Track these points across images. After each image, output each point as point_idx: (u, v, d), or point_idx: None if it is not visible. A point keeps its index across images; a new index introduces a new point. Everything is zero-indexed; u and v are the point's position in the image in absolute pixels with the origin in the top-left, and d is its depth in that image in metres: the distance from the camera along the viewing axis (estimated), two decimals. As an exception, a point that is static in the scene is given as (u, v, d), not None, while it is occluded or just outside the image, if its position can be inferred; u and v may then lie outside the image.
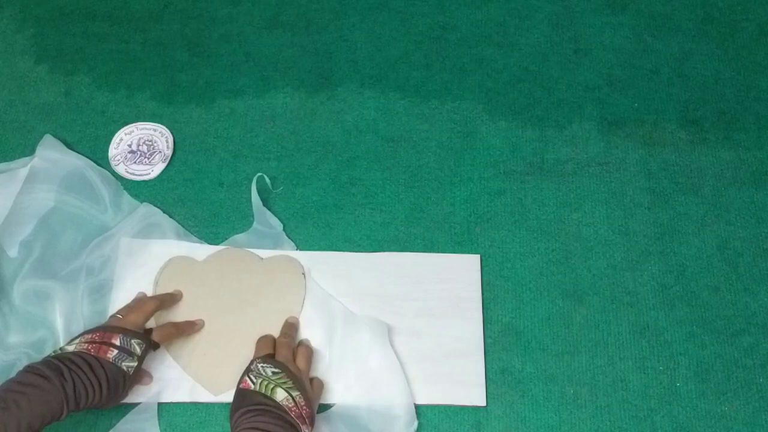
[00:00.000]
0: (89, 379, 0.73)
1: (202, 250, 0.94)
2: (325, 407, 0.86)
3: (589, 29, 1.13)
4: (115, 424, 0.83)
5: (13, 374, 0.86)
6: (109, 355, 0.76)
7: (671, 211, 0.99)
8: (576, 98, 1.07)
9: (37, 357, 0.86)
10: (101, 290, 0.91)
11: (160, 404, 0.85)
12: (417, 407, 0.86)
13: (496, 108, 1.06)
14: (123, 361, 0.77)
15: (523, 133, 1.04)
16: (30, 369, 0.72)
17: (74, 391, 0.71)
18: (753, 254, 0.96)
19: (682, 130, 1.05)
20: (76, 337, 0.78)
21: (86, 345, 0.76)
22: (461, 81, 1.08)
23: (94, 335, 0.78)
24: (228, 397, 0.85)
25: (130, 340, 0.78)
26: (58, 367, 0.72)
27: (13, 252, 0.92)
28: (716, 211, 0.99)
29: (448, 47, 1.11)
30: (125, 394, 0.80)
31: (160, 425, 0.85)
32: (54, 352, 0.77)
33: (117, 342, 0.77)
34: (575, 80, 1.08)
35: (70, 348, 0.76)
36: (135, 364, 0.78)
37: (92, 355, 0.75)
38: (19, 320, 0.89)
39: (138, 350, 0.79)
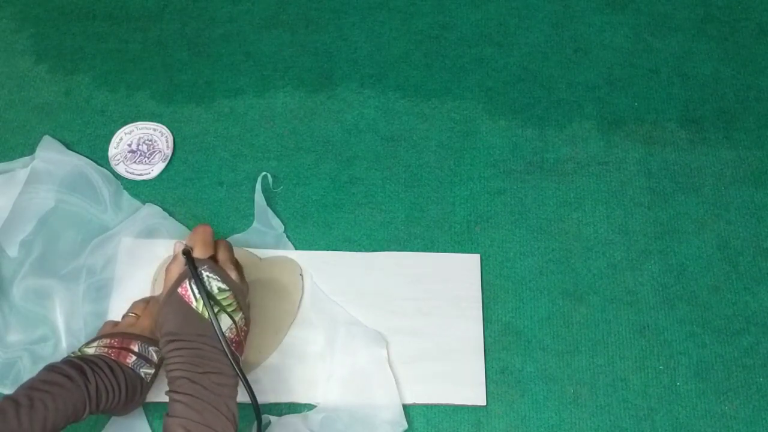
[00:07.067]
0: (110, 382, 0.74)
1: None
2: (311, 407, 0.86)
3: (588, 28, 1.13)
4: (105, 424, 0.83)
5: (12, 373, 0.86)
6: (128, 361, 0.77)
7: (671, 210, 0.99)
8: (576, 98, 1.07)
9: (38, 355, 0.86)
10: (102, 290, 0.91)
11: (161, 404, 0.85)
12: (417, 407, 0.86)
13: (496, 107, 1.06)
14: (141, 367, 0.78)
15: (523, 133, 1.04)
16: (53, 368, 0.72)
17: (96, 392, 0.72)
18: (753, 253, 0.96)
19: (682, 129, 1.05)
20: (94, 340, 0.79)
21: (106, 349, 0.77)
22: (461, 80, 1.08)
23: (113, 340, 0.78)
24: None
25: (147, 347, 0.79)
26: (81, 367, 0.73)
27: (12, 252, 0.92)
28: (716, 210, 0.99)
29: (448, 47, 1.11)
30: (142, 400, 0.80)
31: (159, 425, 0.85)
32: (73, 353, 0.78)
33: (136, 348, 0.78)
34: (575, 79, 1.08)
35: (90, 351, 0.77)
36: (152, 371, 0.79)
37: (113, 359, 0.76)
38: (19, 319, 0.89)
39: (155, 358, 0.79)
